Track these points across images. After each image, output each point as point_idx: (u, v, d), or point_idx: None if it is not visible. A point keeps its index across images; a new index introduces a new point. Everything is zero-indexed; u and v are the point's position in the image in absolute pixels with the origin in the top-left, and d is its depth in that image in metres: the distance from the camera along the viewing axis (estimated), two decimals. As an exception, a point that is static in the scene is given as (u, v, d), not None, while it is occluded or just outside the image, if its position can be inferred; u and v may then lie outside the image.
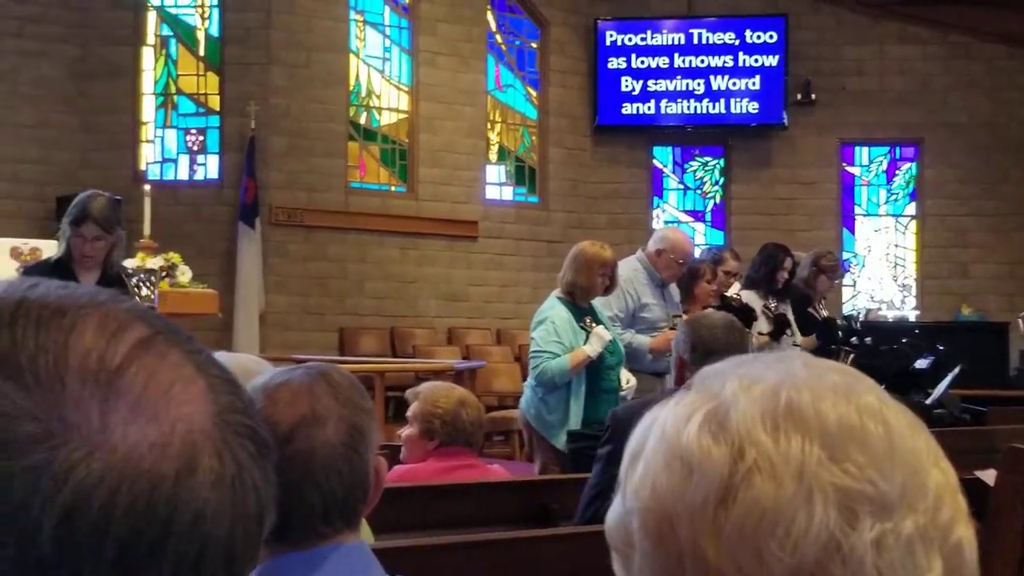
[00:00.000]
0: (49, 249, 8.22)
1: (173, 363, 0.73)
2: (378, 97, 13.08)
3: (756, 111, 14.11)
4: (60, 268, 5.73)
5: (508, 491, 3.93)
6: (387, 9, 13.14)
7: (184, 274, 9.01)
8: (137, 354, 0.71)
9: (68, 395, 0.68)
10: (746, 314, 6.66)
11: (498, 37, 13.84)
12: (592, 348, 5.86)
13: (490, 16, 13.73)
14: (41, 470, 0.66)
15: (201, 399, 0.72)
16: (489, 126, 13.72)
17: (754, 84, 14.09)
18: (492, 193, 13.68)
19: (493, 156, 13.81)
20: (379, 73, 13.07)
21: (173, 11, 12.45)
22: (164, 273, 8.61)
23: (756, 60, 14.11)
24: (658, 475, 1.06)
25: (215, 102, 12.40)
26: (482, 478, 3.94)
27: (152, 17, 12.43)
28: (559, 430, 5.94)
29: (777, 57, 14.09)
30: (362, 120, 12.99)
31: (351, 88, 12.82)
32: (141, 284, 7.80)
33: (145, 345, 0.72)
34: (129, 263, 7.66)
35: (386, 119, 13.16)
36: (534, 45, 14.08)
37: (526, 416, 6.19)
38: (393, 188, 13.11)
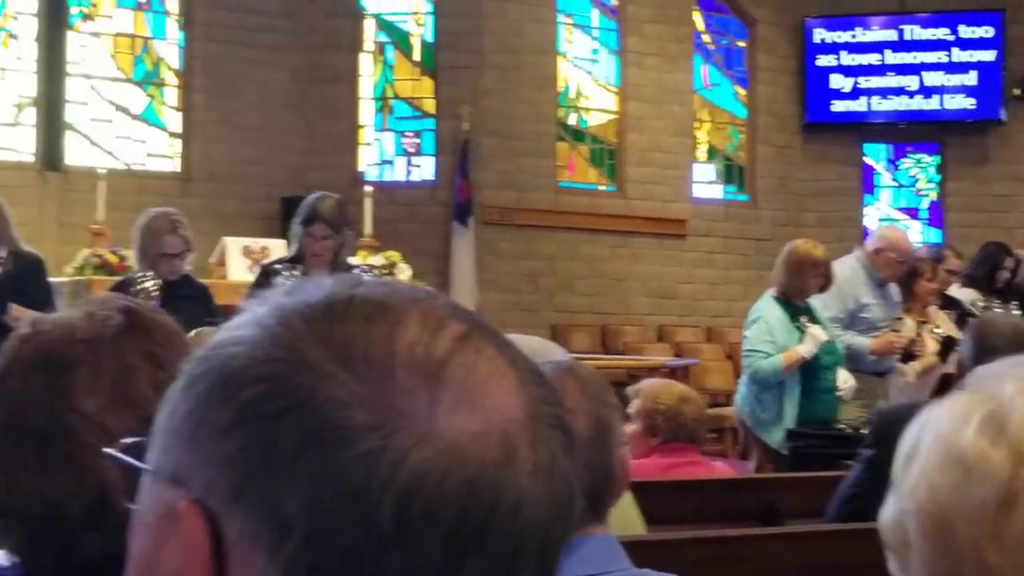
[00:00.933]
0: (277, 248, 8.53)
1: (488, 357, 0.75)
2: (586, 98, 13.14)
3: (973, 107, 13.66)
4: (292, 266, 5.95)
5: (733, 488, 3.92)
6: (595, 11, 13.18)
7: (403, 272, 9.23)
8: (457, 348, 0.74)
9: (398, 386, 0.72)
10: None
11: (705, 36, 13.73)
12: (806, 348, 5.77)
13: (697, 16, 13.64)
14: (377, 455, 0.70)
15: (514, 392, 0.75)
16: (697, 125, 13.62)
17: (969, 80, 13.65)
18: (701, 191, 13.58)
19: (701, 155, 13.72)
20: (587, 74, 13.13)
21: (390, 18, 12.75)
22: (385, 271, 8.84)
23: (971, 55, 13.66)
24: (934, 477, 1.05)
25: (430, 105, 12.65)
26: (706, 475, 3.93)
27: (370, 25, 12.75)
28: (773, 428, 5.87)
29: (994, 52, 13.62)
30: (571, 121, 13.06)
31: (560, 90, 12.91)
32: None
33: (464, 340, 0.75)
34: (352, 261, 7.87)
35: (594, 119, 13.20)
36: (741, 44, 13.92)
37: (740, 413, 6.15)
38: (602, 187, 13.14)
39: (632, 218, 12.93)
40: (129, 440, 0.85)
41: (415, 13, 12.71)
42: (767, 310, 5.97)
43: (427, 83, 12.67)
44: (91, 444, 1.52)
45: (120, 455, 0.84)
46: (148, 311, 1.61)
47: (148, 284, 5.46)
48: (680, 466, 3.87)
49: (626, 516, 2.88)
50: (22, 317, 5.44)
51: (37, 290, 5.59)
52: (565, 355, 2.25)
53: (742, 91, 13.90)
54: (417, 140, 12.68)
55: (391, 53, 12.74)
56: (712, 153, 13.78)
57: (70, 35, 11.65)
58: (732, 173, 13.84)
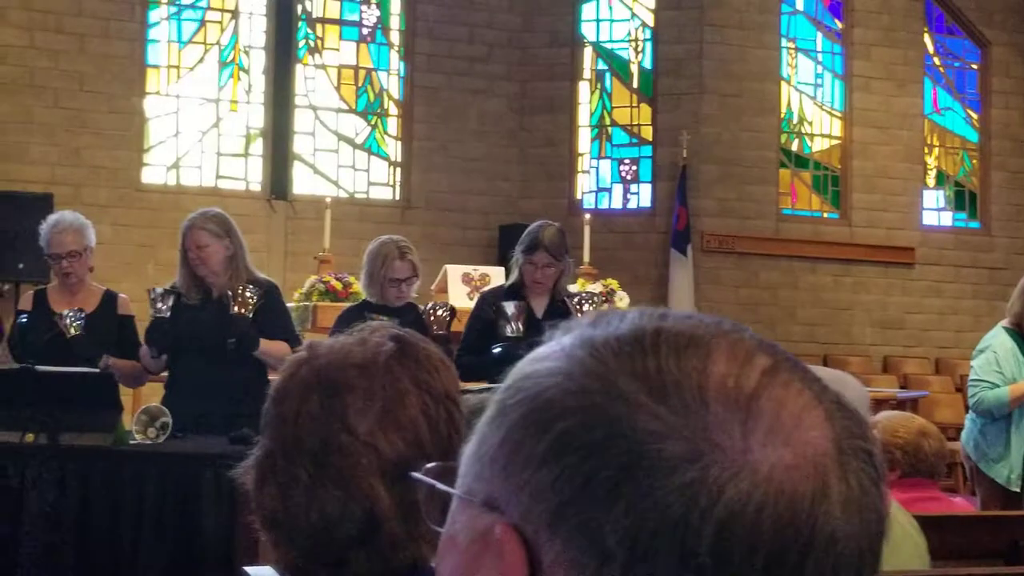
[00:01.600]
0: (496, 275, 8.67)
1: (796, 390, 0.77)
2: (810, 123, 12.96)
3: None
4: (513, 293, 6.04)
5: (975, 526, 3.83)
6: (819, 35, 13.00)
7: (622, 300, 9.26)
8: (767, 381, 0.76)
9: (712, 417, 0.74)
10: None
11: (936, 59, 13.40)
12: (1035, 381, 5.61)
13: (927, 38, 13.31)
14: (696, 487, 0.72)
15: (823, 424, 0.76)
16: (926, 150, 13.29)
17: None
18: (930, 219, 13.21)
19: (931, 181, 13.37)
20: (811, 99, 12.97)
21: (608, 46, 12.84)
22: (604, 299, 8.88)
23: None
24: None
25: (648, 132, 12.67)
26: (946, 511, 3.84)
27: (588, 53, 12.86)
28: (999, 464, 5.71)
29: None
30: (793, 147, 12.91)
31: (782, 115, 12.77)
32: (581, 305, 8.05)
33: (772, 373, 0.77)
34: (571, 289, 7.95)
35: (818, 145, 13.01)
36: (974, 66, 13.53)
37: (965, 448, 6.00)
38: (825, 214, 12.94)
39: (856, 246, 12.67)
40: (433, 465, 0.89)
41: (634, 40, 12.77)
42: (996, 340, 5.84)
43: (645, 110, 12.70)
44: (362, 464, 1.60)
45: (427, 479, 0.87)
46: (418, 339, 1.69)
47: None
48: (919, 501, 3.77)
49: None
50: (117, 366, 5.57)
51: (279, 316, 5.79)
52: (860, 387, 2.21)
53: (974, 115, 13.49)
54: (635, 167, 12.72)
55: (609, 80, 12.84)
56: (942, 179, 13.40)
57: (298, 68, 12.15)
58: (963, 199, 13.45)
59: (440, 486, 0.85)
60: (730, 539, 0.71)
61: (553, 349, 0.80)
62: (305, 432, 1.62)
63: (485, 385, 4.65)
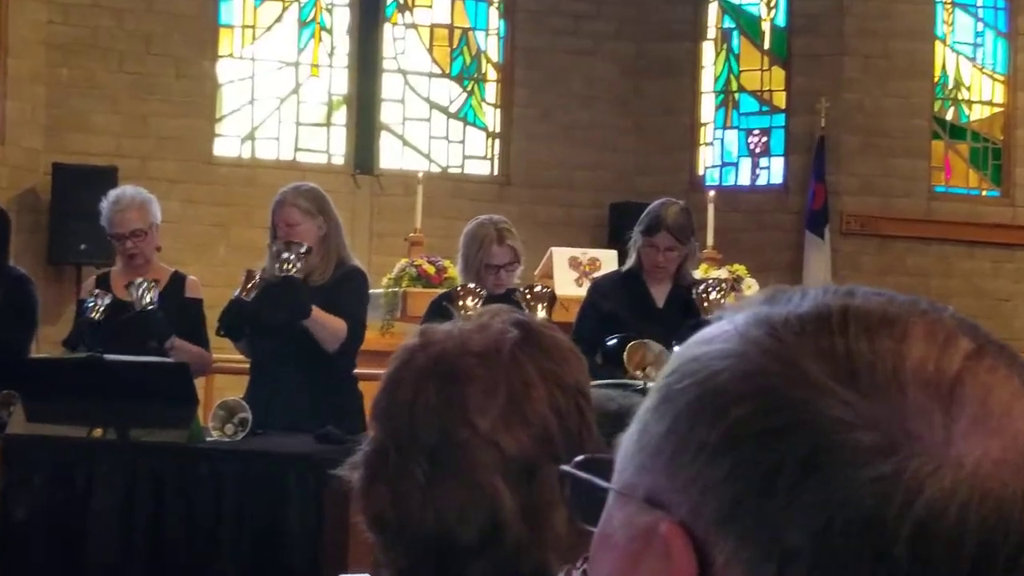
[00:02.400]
0: (607, 259, 8.68)
1: (1003, 376, 0.76)
2: (968, 89, 12.77)
3: None
4: (630, 280, 6.05)
5: None
6: (979, -13, 12.83)
7: (750, 287, 9.22)
8: (970, 366, 0.76)
9: (908, 405, 0.74)
10: None
11: (1115, 13, 13.14)
12: None
13: (1106, -12, 13.06)
14: (891, 482, 0.72)
15: None
16: (1104, 118, 13.05)
17: None
18: (1108, 198, 12.98)
19: (1108, 154, 13.12)
20: (969, 61, 12.77)
21: (736, 1, 12.77)
22: (731, 286, 8.85)
23: None
24: None
25: (780, 99, 12.57)
26: None
27: (713, 9, 12.78)
28: None
29: None
30: (948, 115, 12.72)
31: (936, 79, 12.58)
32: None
33: (976, 357, 0.77)
34: (694, 275, 7.94)
35: (976, 113, 12.82)
36: None
37: None
38: (984, 192, 12.73)
39: (1020, 228, 12.46)
40: (582, 457, 0.89)
41: (765, -6, 12.69)
42: None
43: (778, 74, 12.60)
44: (484, 463, 1.64)
45: (579, 472, 0.88)
46: (543, 326, 1.71)
47: (469, 301, 5.61)
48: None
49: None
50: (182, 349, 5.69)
51: (350, 296, 5.78)
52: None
53: None
54: (765, 139, 12.63)
55: (737, 40, 12.76)
56: (1120, 152, 13.15)
57: (385, 27, 12.22)
58: None
59: (595, 480, 0.86)
60: (930, 540, 0.72)
61: (723, 329, 0.80)
62: (421, 425, 1.65)
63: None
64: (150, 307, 5.56)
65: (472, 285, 5.84)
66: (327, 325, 5.55)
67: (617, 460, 0.85)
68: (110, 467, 4.99)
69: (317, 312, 5.53)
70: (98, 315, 5.62)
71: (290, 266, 5.49)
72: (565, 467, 0.91)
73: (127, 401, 5.06)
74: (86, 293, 5.94)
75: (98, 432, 5.07)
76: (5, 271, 5.91)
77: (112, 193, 6.04)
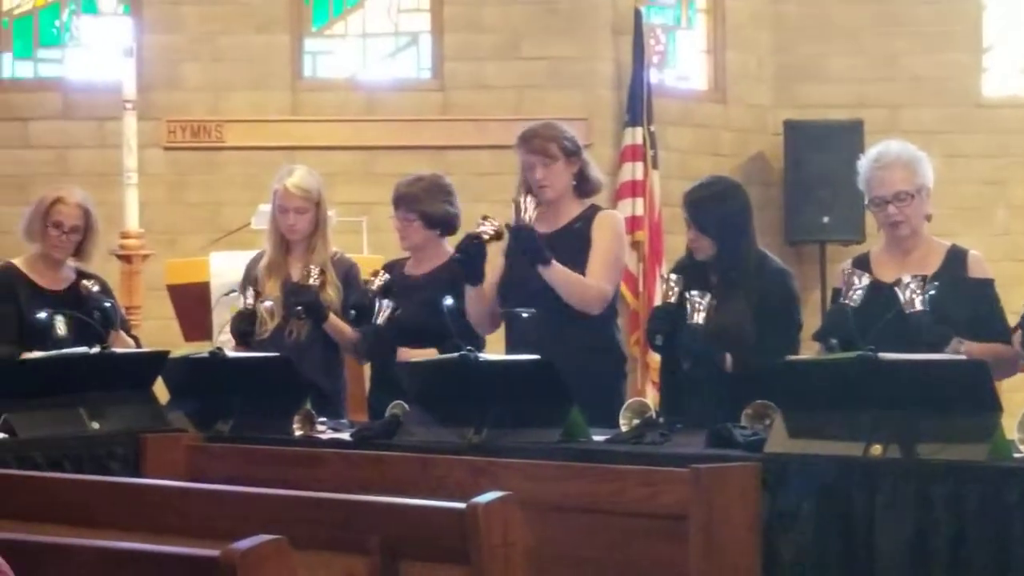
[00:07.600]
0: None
1: None
2: None
3: None
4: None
5: None
6: None
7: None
8: None
9: None
10: None
11: None
12: None
13: None
14: None
15: None
16: None
17: None
18: None
19: None
20: None
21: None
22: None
23: None
24: None
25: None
26: None
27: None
28: None
29: None
30: None
31: None
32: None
33: None
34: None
35: None
36: None
37: None
38: None
39: None
40: None
41: None
42: None
43: None
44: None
45: None
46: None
47: None
48: None
49: None
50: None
51: None
52: None
53: None
54: None
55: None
56: None
57: None
58: None
59: None
60: None
61: None
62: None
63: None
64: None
65: None
66: None
67: None
68: (888, 491, 4.89)
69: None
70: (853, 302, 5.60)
71: None
72: None
73: (914, 409, 4.93)
74: (844, 279, 5.84)
75: (877, 450, 4.99)
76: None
77: (872, 150, 6.06)
